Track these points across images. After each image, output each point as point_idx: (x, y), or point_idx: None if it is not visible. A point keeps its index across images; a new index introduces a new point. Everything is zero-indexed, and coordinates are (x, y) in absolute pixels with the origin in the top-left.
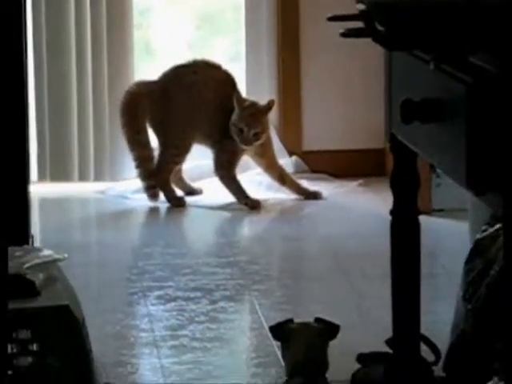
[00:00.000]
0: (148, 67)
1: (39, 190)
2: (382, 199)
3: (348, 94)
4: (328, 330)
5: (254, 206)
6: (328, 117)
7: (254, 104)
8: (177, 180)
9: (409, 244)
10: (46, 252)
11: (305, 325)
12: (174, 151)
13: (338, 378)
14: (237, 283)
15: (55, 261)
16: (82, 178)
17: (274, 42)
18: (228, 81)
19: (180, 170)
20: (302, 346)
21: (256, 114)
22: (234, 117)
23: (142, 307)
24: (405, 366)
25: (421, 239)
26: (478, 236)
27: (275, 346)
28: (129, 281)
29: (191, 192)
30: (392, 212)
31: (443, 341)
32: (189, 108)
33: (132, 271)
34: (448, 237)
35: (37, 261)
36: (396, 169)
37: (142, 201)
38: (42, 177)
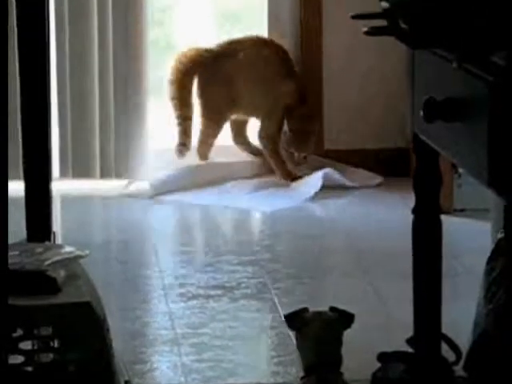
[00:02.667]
0: (169, 63)
1: (61, 186)
2: (404, 198)
3: (373, 92)
4: (342, 319)
5: (294, 178)
6: (351, 116)
7: (302, 125)
8: (242, 140)
9: (430, 243)
10: (68, 249)
11: (319, 314)
12: (211, 123)
13: (359, 377)
14: (258, 281)
15: (76, 258)
16: (104, 175)
17: (297, 24)
18: (278, 59)
19: (245, 129)
20: (317, 340)
21: (305, 136)
22: (284, 140)
23: (163, 305)
24: (426, 366)
25: (442, 239)
26: (500, 235)
27: (295, 344)
28: (150, 278)
29: (253, 152)
30: (414, 211)
31: (464, 340)
32: (235, 81)
33: (153, 269)
34: (469, 236)
35: (58, 257)
36: (418, 168)
37: (163, 199)
38: (64, 173)
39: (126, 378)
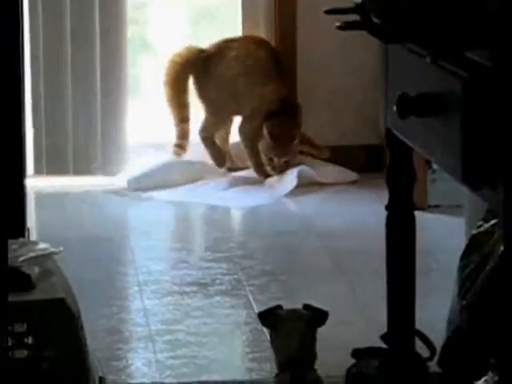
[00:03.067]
0: (144, 61)
1: (36, 183)
2: (378, 195)
3: (345, 89)
4: (316, 316)
5: (268, 175)
6: (325, 113)
7: (282, 130)
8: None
9: (404, 239)
10: (42, 245)
11: (293, 311)
12: (214, 119)
13: (333, 373)
14: (232, 278)
15: (51, 254)
16: (77, 171)
17: (271, 27)
18: (269, 60)
19: (227, 140)
20: (291, 338)
21: (286, 142)
22: (264, 146)
23: (138, 301)
24: (400, 362)
25: (416, 235)
26: (474, 231)
27: (269, 341)
28: (124, 275)
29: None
30: (388, 207)
31: (438, 336)
32: (228, 80)
33: (128, 265)
34: (443, 233)
35: (32, 254)
36: (392, 164)
37: (138, 195)
38: (38, 170)
39: (101, 375)
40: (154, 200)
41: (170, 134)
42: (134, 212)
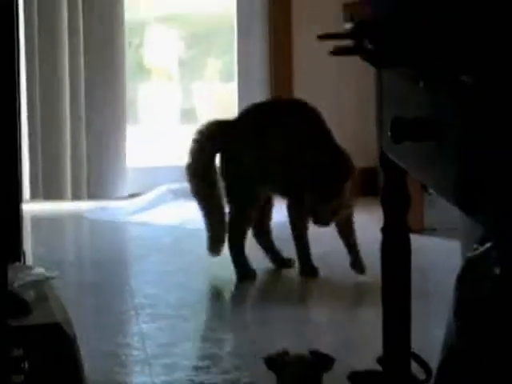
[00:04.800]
0: (141, 86)
1: (32, 208)
2: (373, 219)
3: (340, 113)
4: (322, 362)
5: (309, 273)
6: None
7: (323, 204)
8: (267, 246)
9: (400, 261)
10: (38, 270)
11: (299, 357)
12: (241, 207)
13: None
14: (230, 301)
15: (47, 279)
16: (75, 196)
17: (266, 61)
18: (310, 127)
19: (271, 238)
20: (294, 378)
21: (327, 216)
22: (307, 197)
23: (134, 325)
24: None
25: (413, 258)
26: (469, 255)
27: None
28: (121, 298)
29: (281, 263)
30: (383, 230)
31: (434, 359)
32: (256, 158)
33: (124, 289)
34: (440, 255)
35: (28, 279)
36: (386, 187)
37: (134, 220)
38: (35, 195)
39: None
40: (149, 225)
41: (167, 157)
42: (130, 236)
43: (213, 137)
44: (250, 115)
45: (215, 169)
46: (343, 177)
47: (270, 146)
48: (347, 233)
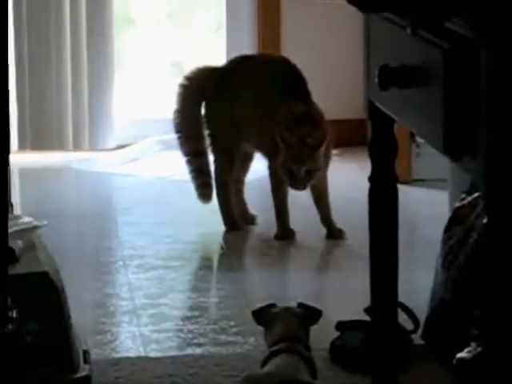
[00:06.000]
0: (128, 36)
1: (20, 159)
2: (361, 169)
3: (328, 64)
4: (310, 314)
5: (283, 236)
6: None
7: (301, 139)
8: (238, 202)
9: (387, 210)
10: (25, 219)
11: (286, 309)
12: (223, 157)
13: (317, 345)
14: (219, 252)
15: (34, 228)
16: (63, 147)
17: (254, 13)
18: (286, 79)
19: (242, 191)
20: (282, 328)
21: (305, 149)
22: (281, 158)
23: (122, 276)
24: (383, 334)
25: (401, 209)
26: (457, 204)
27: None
28: (109, 249)
29: (247, 220)
30: (370, 179)
31: (422, 309)
32: (237, 108)
33: (112, 240)
34: (428, 206)
35: (16, 228)
36: (374, 136)
37: (122, 172)
38: (22, 146)
39: (85, 348)
40: (137, 176)
41: (155, 109)
42: (118, 187)
43: (199, 83)
44: (233, 66)
45: (200, 115)
46: (317, 140)
47: (248, 99)
48: (322, 203)
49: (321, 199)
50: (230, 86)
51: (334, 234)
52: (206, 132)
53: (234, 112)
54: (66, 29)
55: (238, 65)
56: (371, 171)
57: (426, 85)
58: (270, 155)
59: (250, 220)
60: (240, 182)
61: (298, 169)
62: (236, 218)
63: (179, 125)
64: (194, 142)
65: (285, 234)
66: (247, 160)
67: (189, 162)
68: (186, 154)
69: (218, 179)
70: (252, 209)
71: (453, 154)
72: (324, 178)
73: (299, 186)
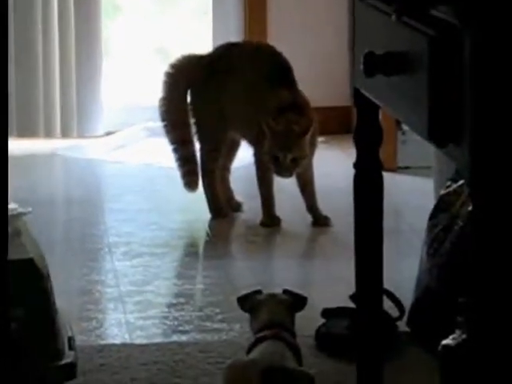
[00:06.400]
0: (115, 23)
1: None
2: (347, 156)
3: (314, 52)
4: (295, 301)
5: (268, 223)
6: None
7: (287, 127)
8: (223, 189)
9: (372, 197)
10: (11, 206)
11: (272, 296)
12: (208, 145)
13: (303, 332)
14: (204, 240)
15: (20, 215)
16: (49, 134)
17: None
18: (271, 68)
19: (227, 179)
20: (268, 314)
21: (291, 136)
22: (267, 145)
23: (108, 263)
24: (369, 321)
25: (386, 196)
26: (442, 192)
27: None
28: (94, 236)
29: (232, 207)
30: (355, 165)
31: (407, 296)
32: (223, 97)
33: (98, 227)
34: (413, 194)
35: None
36: (359, 123)
37: (109, 158)
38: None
39: (70, 335)
40: (122, 163)
41: (143, 95)
42: (104, 174)
43: (185, 71)
44: (219, 54)
45: (186, 103)
46: (303, 127)
47: (234, 87)
48: (307, 190)
49: (306, 187)
50: (215, 74)
51: (319, 221)
52: (192, 120)
53: (220, 100)
54: (53, 15)
55: (223, 52)
56: (356, 158)
57: (412, 72)
58: (256, 143)
59: (236, 207)
60: (226, 169)
61: (283, 156)
62: (222, 205)
63: (165, 113)
64: (179, 130)
65: (270, 221)
66: (233, 147)
67: (175, 150)
68: (172, 142)
69: (203, 167)
70: (238, 196)
71: (438, 141)
72: (310, 166)
73: (285, 173)
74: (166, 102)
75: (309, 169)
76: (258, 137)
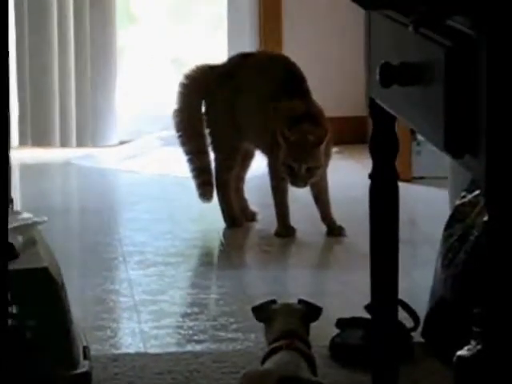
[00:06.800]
0: (130, 33)
1: (20, 155)
2: (362, 166)
3: (329, 62)
4: (310, 311)
5: (283, 233)
6: (309, 84)
7: (301, 138)
8: (238, 199)
9: (387, 208)
10: (26, 215)
11: (287, 306)
12: (223, 155)
13: (317, 342)
14: (218, 249)
15: (35, 224)
16: (64, 143)
17: (255, 8)
18: (284, 78)
19: (242, 189)
20: (283, 324)
21: (306, 146)
22: (281, 155)
23: (122, 272)
24: (383, 332)
25: (401, 206)
26: (458, 202)
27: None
28: (109, 246)
29: (247, 217)
30: (371, 176)
31: (422, 307)
32: (236, 107)
33: (112, 236)
34: (428, 204)
35: (16, 224)
36: (375, 133)
37: (123, 167)
38: (23, 142)
39: (85, 344)
40: (138, 172)
41: (157, 105)
42: (118, 184)
43: (199, 82)
44: (233, 64)
45: (201, 114)
46: (318, 137)
47: (248, 97)
48: (322, 200)
49: (321, 196)
50: (229, 84)
51: (334, 231)
52: (207, 130)
53: (234, 110)
54: (69, 25)
55: (237, 63)
56: (372, 168)
57: (428, 82)
58: (270, 153)
59: (251, 217)
60: (240, 179)
61: (298, 166)
62: (236, 215)
63: (180, 124)
64: (195, 141)
65: (285, 231)
66: (247, 157)
67: (190, 160)
68: (188, 152)
69: (218, 177)
70: (252, 206)
71: (454, 152)
72: (324, 176)
73: (300, 183)
74: (180, 113)
75: (323, 179)
76: (272, 147)
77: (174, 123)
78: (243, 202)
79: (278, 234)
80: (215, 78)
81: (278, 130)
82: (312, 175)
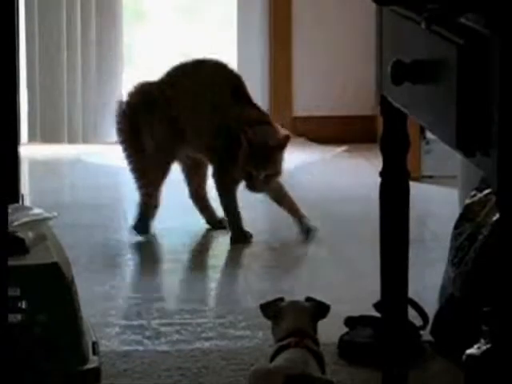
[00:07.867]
0: (138, 30)
1: (29, 151)
2: (371, 165)
3: (339, 60)
4: (318, 309)
5: (237, 240)
6: (319, 83)
7: (264, 142)
8: (203, 207)
9: (398, 205)
10: (36, 211)
11: (295, 303)
12: (157, 163)
13: (326, 340)
14: (225, 246)
15: (45, 219)
16: (72, 140)
17: (266, 7)
18: (226, 86)
19: (206, 197)
20: (291, 322)
21: (267, 153)
22: (241, 158)
23: (131, 268)
24: (392, 330)
25: (410, 205)
26: (467, 201)
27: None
28: (119, 242)
29: (215, 224)
30: (382, 173)
31: (431, 305)
32: (179, 119)
33: (120, 232)
34: (437, 202)
35: (26, 219)
36: (386, 130)
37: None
38: (32, 138)
39: (94, 340)
40: None
41: None
42: (127, 178)
43: (135, 100)
44: (169, 77)
45: (142, 132)
46: (281, 142)
47: (191, 107)
48: (285, 199)
49: (282, 198)
50: (166, 97)
51: (308, 232)
52: (146, 142)
53: (170, 123)
54: (76, 22)
55: (170, 77)
56: (382, 166)
57: (440, 80)
58: (219, 162)
59: (219, 224)
60: (201, 188)
61: (257, 173)
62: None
63: (124, 145)
64: (138, 159)
65: (240, 237)
66: (201, 166)
67: (136, 178)
68: (133, 170)
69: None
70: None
71: (465, 150)
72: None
73: (258, 189)
74: (123, 134)
75: (276, 182)
76: (222, 156)
77: (118, 142)
78: (210, 209)
79: (235, 241)
80: (154, 94)
81: (241, 132)
82: (269, 182)
